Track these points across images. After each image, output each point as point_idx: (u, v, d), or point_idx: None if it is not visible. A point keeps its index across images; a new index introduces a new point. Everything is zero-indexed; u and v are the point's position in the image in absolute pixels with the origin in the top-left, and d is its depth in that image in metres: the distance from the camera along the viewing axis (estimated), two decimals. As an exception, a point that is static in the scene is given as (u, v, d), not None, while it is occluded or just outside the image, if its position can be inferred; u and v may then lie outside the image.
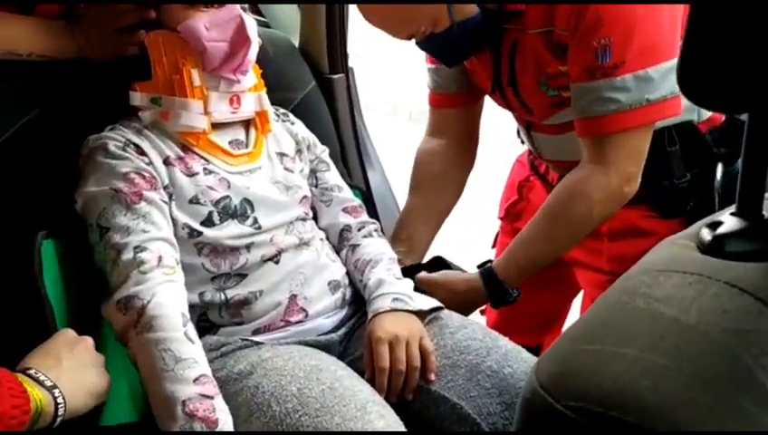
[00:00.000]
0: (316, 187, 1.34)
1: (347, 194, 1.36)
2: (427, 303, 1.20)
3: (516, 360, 1.10)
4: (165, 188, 1.11)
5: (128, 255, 1.03)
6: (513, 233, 1.53)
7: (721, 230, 0.52)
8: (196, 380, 0.95)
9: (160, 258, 1.03)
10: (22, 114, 1.16)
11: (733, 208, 0.54)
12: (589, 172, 1.23)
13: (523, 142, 1.55)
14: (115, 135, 1.12)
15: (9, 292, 1.10)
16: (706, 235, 0.52)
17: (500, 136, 1.63)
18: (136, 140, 1.12)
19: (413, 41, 1.28)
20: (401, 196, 1.66)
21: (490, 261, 1.35)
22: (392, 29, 1.25)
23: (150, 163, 1.11)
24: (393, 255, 1.29)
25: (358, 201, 1.37)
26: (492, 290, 1.29)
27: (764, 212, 0.53)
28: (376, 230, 1.34)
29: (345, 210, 1.33)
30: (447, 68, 1.41)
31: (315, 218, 1.31)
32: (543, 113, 1.33)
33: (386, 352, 1.09)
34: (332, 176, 1.36)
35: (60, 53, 1.15)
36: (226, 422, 0.95)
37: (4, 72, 1.13)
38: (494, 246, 1.66)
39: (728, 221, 0.53)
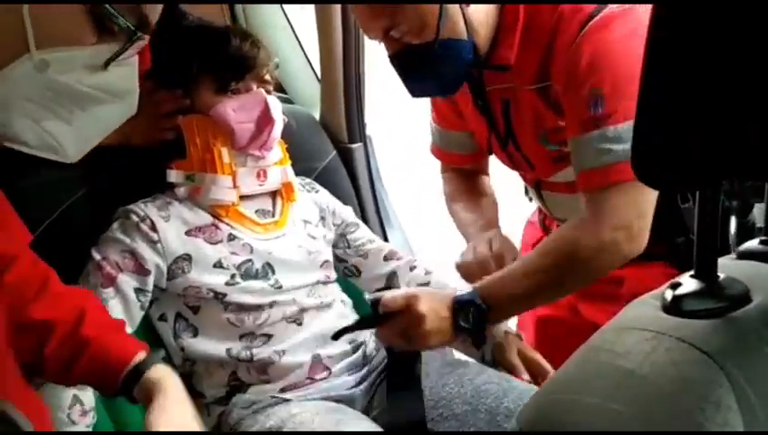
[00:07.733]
0: (349, 247, 1.43)
1: (380, 243, 1.46)
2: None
3: None
4: (176, 261, 1.19)
5: None
6: None
7: (680, 291, 0.59)
8: None
9: None
10: (69, 195, 1.26)
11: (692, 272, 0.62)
12: (577, 231, 1.13)
13: (531, 200, 1.56)
14: (138, 209, 1.21)
15: None
16: (668, 295, 0.59)
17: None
18: (156, 215, 1.20)
19: (387, 53, 1.17)
20: (421, 253, 1.74)
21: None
22: (371, 14, 1.13)
23: (158, 241, 1.18)
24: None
25: (391, 245, 1.48)
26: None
27: (719, 274, 0.60)
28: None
29: (385, 258, 1.43)
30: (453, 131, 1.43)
31: (357, 275, 1.42)
32: (546, 169, 1.30)
33: None
34: (363, 232, 1.47)
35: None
36: None
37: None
38: None
39: (687, 283, 0.60)
